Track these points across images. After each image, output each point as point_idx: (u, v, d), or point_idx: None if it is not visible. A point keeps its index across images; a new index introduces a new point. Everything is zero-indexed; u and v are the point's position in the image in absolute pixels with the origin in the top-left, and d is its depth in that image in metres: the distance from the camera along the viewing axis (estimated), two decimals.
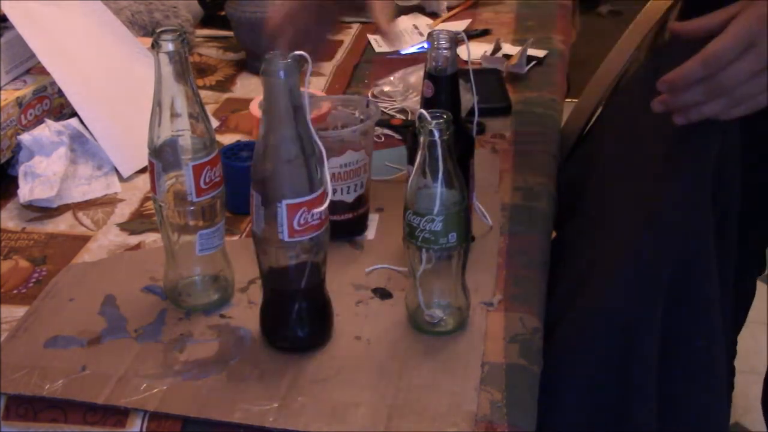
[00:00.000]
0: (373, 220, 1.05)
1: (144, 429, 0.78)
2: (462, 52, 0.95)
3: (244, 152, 1.04)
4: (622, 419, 0.99)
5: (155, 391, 0.80)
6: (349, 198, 0.99)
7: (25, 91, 1.14)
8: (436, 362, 0.83)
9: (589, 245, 1.08)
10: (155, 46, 0.81)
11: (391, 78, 1.36)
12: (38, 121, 1.15)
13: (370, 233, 1.03)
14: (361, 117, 1.01)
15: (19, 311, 0.91)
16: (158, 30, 0.82)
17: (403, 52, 1.50)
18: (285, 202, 0.78)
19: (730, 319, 1.20)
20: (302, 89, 0.78)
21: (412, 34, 1.55)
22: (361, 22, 1.63)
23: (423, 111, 0.79)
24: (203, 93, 1.34)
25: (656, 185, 1.02)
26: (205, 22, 1.60)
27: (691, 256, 1.01)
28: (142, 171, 1.15)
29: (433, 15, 1.65)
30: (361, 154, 0.97)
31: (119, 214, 1.08)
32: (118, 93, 1.21)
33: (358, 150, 0.97)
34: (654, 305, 0.98)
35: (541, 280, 0.96)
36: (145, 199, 1.10)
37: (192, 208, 0.86)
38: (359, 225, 1.02)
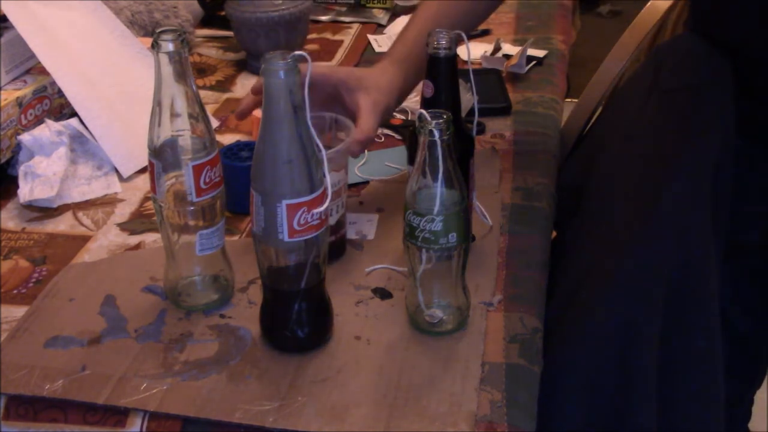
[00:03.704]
0: (373, 220, 1.05)
1: (144, 429, 0.78)
2: (462, 52, 0.95)
3: (244, 152, 1.04)
4: (622, 419, 0.99)
5: (155, 391, 0.80)
6: (332, 221, 0.93)
7: (25, 91, 1.14)
8: (436, 362, 0.83)
9: (589, 245, 1.08)
10: (155, 46, 0.81)
11: None
12: (38, 121, 1.15)
13: (370, 233, 1.03)
14: (336, 134, 0.95)
15: (19, 311, 0.91)
16: (158, 30, 0.82)
17: None
18: (285, 202, 0.78)
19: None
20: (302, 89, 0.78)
21: None
22: (360, 22, 1.63)
23: (423, 111, 0.79)
24: (203, 93, 1.34)
25: (656, 185, 1.02)
26: (205, 22, 1.60)
27: (691, 256, 1.01)
28: (142, 171, 1.15)
29: None
30: (341, 174, 0.94)
31: (119, 214, 1.08)
32: (118, 93, 1.21)
33: (339, 171, 0.93)
34: (654, 305, 0.98)
35: (541, 280, 0.96)
36: (145, 199, 1.10)
37: (192, 208, 0.86)
38: (340, 247, 0.98)
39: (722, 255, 1.05)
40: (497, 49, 1.44)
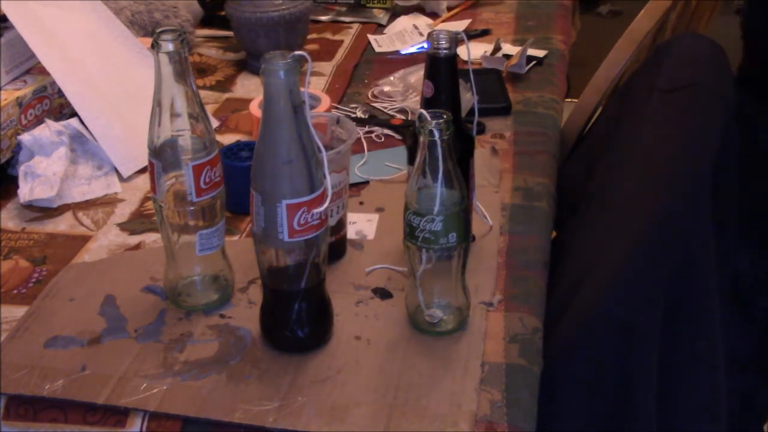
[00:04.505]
0: (373, 220, 1.05)
1: (144, 429, 0.78)
2: (462, 52, 0.95)
3: (244, 152, 1.04)
4: (622, 420, 0.99)
5: (155, 391, 0.80)
6: (332, 221, 0.93)
7: (25, 91, 1.14)
8: (436, 362, 0.83)
9: (589, 245, 1.08)
10: (155, 46, 0.81)
11: (391, 78, 1.36)
12: (38, 121, 1.15)
13: (370, 233, 1.03)
14: (338, 135, 0.96)
15: (19, 311, 0.91)
16: (158, 30, 0.82)
17: (403, 52, 1.50)
18: (285, 202, 0.78)
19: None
20: (302, 89, 0.78)
21: (412, 34, 1.55)
22: (361, 22, 1.63)
23: (423, 111, 0.79)
24: (203, 93, 1.34)
25: (656, 184, 1.02)
26: (205, 22, 1.60)
27: (691, 255, 1.01)
28: (142, 171, 1.15)
29: (433, 15, 1.65)
30: (342, 175, 0.94)
31: (119, 214, 1.08)
32: (118, 93, 1.21)
33: (340, 171, 0.93)
34: (654, 305, 0.98)
35: (541, 280, 0.96)
36: (145, 199, 1.10)
37: (192, 208, 0.86)
38: (340, 247, 0.98)
39: (731, 253, 1.04)
40: (497, 49, 1.44)
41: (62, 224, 1.06)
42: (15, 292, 0.94)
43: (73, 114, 1.17)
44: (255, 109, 1.20)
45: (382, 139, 1.23)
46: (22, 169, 1.10)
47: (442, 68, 0.89)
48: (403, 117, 1.28)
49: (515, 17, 1.64)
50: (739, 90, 1.10)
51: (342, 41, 1.55)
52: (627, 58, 1.38)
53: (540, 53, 1.44)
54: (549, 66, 1.43)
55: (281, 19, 1.38)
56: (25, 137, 1.11)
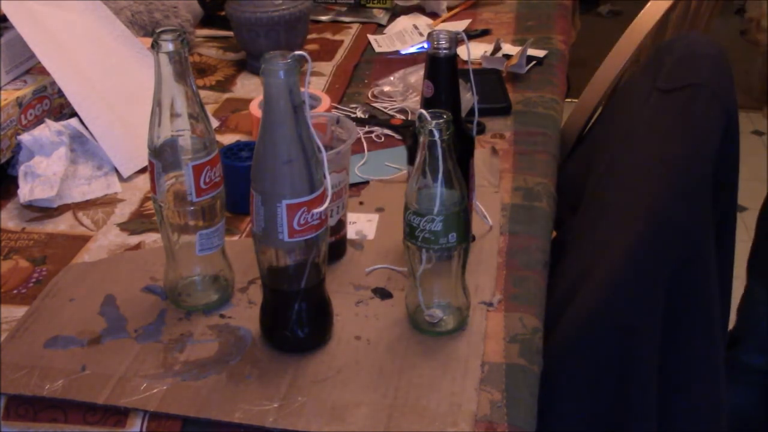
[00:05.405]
0: (373, 220, 1.05)
1: (144, 429, 0.78)
2: (462, 52, 0.95)
3: (244, 152, 1.04)
4: (622, 419, 0.99)
5: (155, 391, 0.80)
6: (332, 221, 0.93)
7: (25, 91, 1.14)
8: (436, 362, 0.83)
9: (589, 245, 1.08)
10: (155, 46, 0.81)
11: (391, 78, 1.36)
12: (38, 121, 1.15)
13: (370, 233, 1.03)
14: (338, 135, 0.96)
15: (19, 311, 0.91)
16: (158, 30, 0.82)
17: (403, 52, 1.50)
18: (285, 202, 0.78)
19: None
20: (302, 89, 0.78)
21: (412, 34, 1.55)
22: (361, 22, 1.63)
23: (423, 111, 0.79)
24: (203, 93, 1.34)
25: (656, 184, 1.02)
26: (205, 22, 1.60)
27: (691, 255, 1.01)
28: (142, 171, 1.15)
29: (433, 15, 1.65)
30: (342, 175, 0.94)
31: (119, 214, 1.08)
32: (118, 93, 1.21)
33: (340, 171, 0.93)
34: (654, 305, 0.98)
35: (541, 280, 0.96)
36: (145, 199, 1.10)
37: (192, 208, 0.86)
38: (340, 247, 0.98)
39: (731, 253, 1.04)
40: (497, 49, 1.44)
41: (62, 224, 1.06)
42: (15, 292, 0.94)
43: (73, 114, 1.17)
44: (255, 109, 1.20)
45: (382, 139, 1.23)
46: (22, 169, 1.10)
47: (442, 68, 0.89)
48: (403, 117, 1.28)
49: (515, 17, 1.64)
50: None
51: (342, 41, 1.55)
52: (627, 58, 1.38)
53: (540, 53, 1.44)
54: (549, 66, 1.43)
55: (281, 19, 1.38)
56: (25, 137, 1.11)
